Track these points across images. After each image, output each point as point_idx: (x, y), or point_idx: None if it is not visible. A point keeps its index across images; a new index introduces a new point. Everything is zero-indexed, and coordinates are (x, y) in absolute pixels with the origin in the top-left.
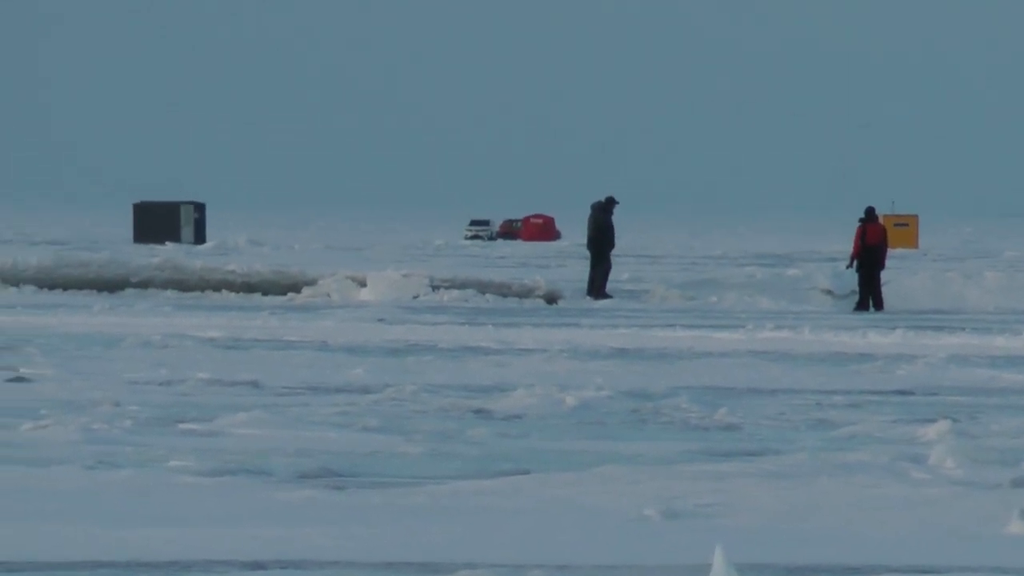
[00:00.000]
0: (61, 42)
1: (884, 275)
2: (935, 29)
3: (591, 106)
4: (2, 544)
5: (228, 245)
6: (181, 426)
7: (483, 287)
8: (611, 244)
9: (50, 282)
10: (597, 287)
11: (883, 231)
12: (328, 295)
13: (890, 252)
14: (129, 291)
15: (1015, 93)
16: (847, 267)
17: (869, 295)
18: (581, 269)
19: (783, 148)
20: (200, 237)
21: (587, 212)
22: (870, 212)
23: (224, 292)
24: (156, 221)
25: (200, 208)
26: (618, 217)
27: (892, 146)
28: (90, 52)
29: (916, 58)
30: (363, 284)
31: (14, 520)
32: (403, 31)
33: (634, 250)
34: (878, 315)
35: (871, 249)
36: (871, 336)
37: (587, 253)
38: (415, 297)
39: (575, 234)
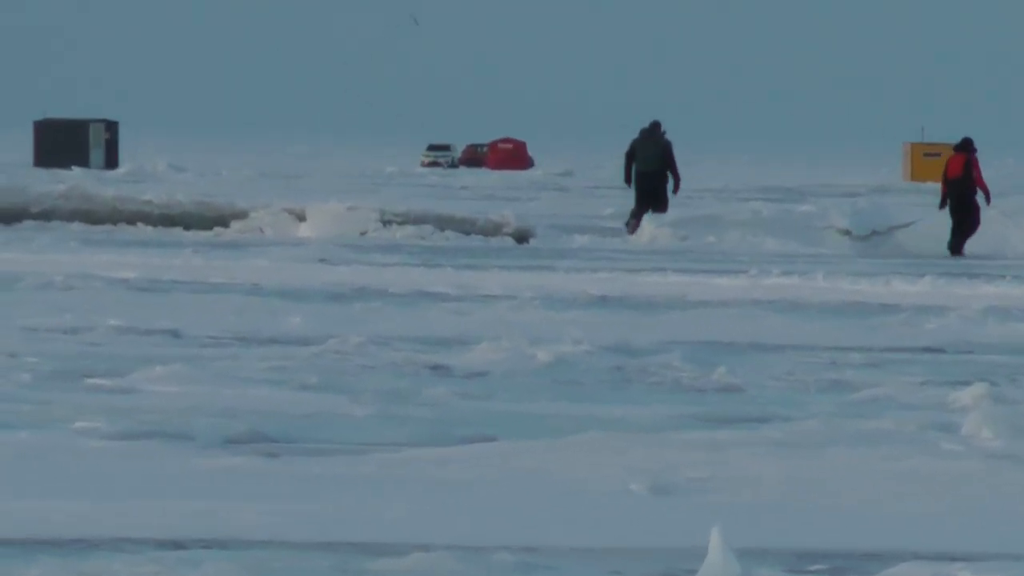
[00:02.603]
0: None
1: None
2: None
3: (568, 11)
4: None
5: (144, 170)
6: (88, 381)
7: (442, 223)
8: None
9: None
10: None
11: (962, 161)
12: (261, 230)
13: (919, 187)
14: (28, 223)
15: None
16: (940, 207)
17: (956, 235)
18: (555, 202)
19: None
20: (112, 161)
21: (562, 138)
22: (961, 143)
23: (139, 225)
24: (60, 142)
25: (112, 127)
26: (608, 140)
27: (921, 68)
28: None
29: None
30: (302, 218)
31: None
32: None
33: (616, 180)
34: (911, 260)
35: (950, 183)
36: (895, 284)
37: (625, 186)
38: (362, 234)
39: (548, 161)
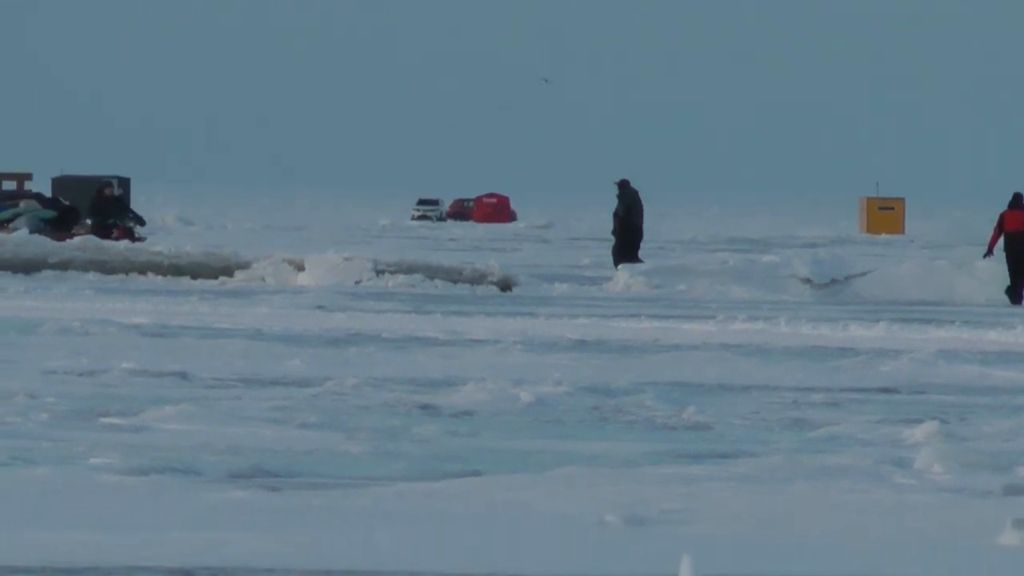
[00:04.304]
0: None
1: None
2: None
3: (551, 76)
4: None
5: (155, 224)
6: (103, 420)
7: (431, 272)
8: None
9: None
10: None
11: (1021, 217)
12: (263, 279)
13: (873, 239)
14: (47, 273)
15: (1009, 74)
16: (984, 256)
17: (1020, 283)
18: (536, 253)
19: (762, 122)
20: None
21: (543, 193)
22: (1015, 198)
23: (150, 275)
24: (76, 197)
25: (124, 183)
26: (585, 196)
27: (879, 125)
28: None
29: (906, 37)
30: (301, 268)
31: None
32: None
33: (594, 232)
34: (867, 306)
35: (1012, 236)
36: (853, 329)
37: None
38: (357, 282)
39: (530, 215)
